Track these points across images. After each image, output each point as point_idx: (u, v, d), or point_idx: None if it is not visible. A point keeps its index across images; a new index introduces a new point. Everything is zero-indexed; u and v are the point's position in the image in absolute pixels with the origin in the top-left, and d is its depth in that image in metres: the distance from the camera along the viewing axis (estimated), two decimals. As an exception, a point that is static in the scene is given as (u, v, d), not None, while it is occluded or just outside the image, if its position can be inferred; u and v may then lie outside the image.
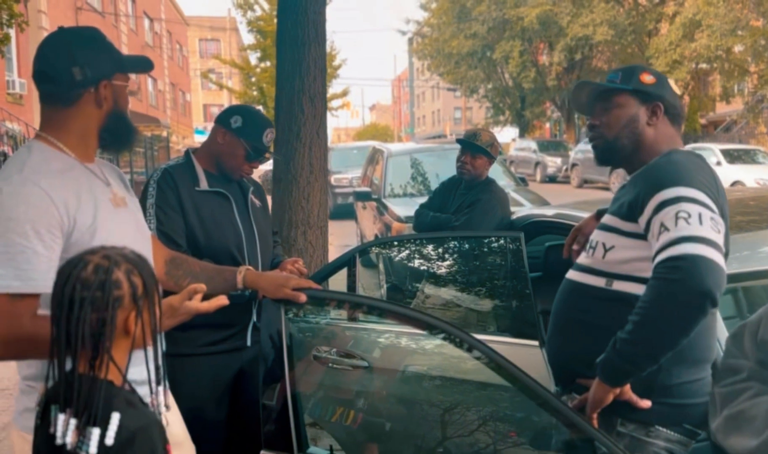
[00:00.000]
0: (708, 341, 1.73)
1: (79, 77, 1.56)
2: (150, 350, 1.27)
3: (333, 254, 3.97)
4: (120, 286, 1.20)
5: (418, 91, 68.95)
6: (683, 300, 1.48)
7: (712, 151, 15.31)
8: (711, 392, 1.65)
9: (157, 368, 1.30)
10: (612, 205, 1.87)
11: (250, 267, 1.94)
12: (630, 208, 1.72)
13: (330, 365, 2.04)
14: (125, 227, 1.63)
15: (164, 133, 27.31)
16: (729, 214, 1.73)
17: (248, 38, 25.83)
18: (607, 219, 1.84)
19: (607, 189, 18.13)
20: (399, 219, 6.49)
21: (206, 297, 2.08)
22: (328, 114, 26.93)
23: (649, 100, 1.84)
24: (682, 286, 1.47)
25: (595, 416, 1.67)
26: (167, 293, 1.65)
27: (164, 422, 1.68)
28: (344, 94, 26.38)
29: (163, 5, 36.42)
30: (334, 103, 26.25)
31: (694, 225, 1.52)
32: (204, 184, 2.32)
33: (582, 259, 1.89)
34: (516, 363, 2.12)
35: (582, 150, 20.64)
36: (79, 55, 1.57)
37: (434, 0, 31.63)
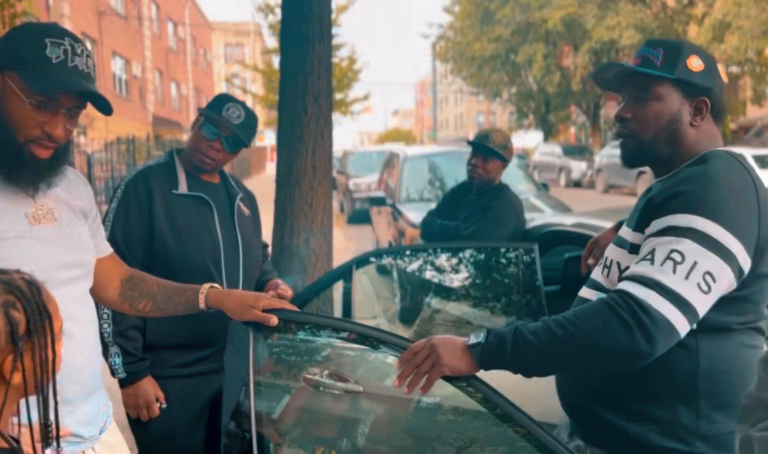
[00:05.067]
0: (752, 375, 1.44)
1: None
2: (33, 399, 1.03)
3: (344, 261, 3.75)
4: None
5: (441, 95, 68.68)
6: (623, 352, 1.26)
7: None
8: (746, 435, 1.35)
9: (45, 424, 1.05)
10: (630, 217, 1.58)
11: (215, 285, 1.71)
12: (641, 215, 1.44)
13: (311, 392, 1.80)
14: (38, 246, 1.39)
15: (185, 138, 27.41)
16: None
17: (271, 42, 25.78)
18: (623, 232, 1.55)
19: (634, 195, 17.68)
20: (413, 225, 6.24)
21: (169, 319, 1.86)
22: (350, 118, 27.09)
23: (694, 95, 1.47)
24: (633, 342, 1.25)
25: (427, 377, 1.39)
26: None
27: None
28: (366, 97, 26.25)
29: (188, 10, 36.68)
30: (355, 107, 26.14)
31: (679, 276, 1.27)
32: (183, 188, 2.12)
33: (597, 276, 1.60)
34: (524, 391, 1.87)
35: (607, 155, 20.19)
36: None
37: (457, 3, 31.38)
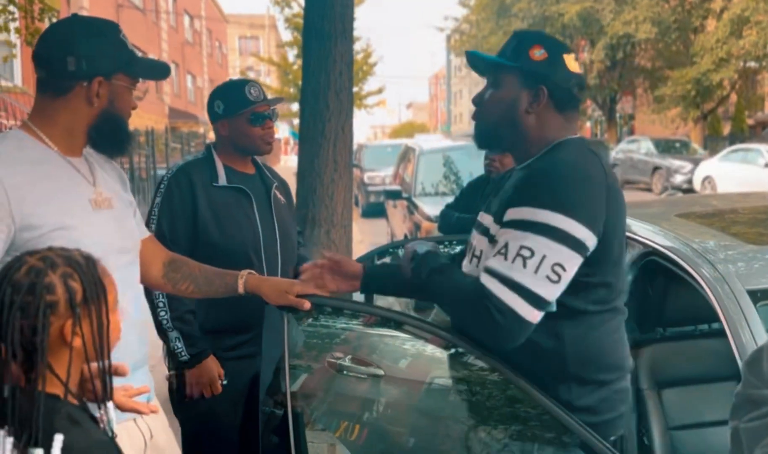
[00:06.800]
0: (616, 347, 1.60)
1: (72, 68, 1.48)
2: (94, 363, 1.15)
3: (362, 253, 3.85)
4: (53, 290, 1.07)
5: (455, 88, 68.47)
6: (489, 340, 1.49)
7: (760, 153, 14.73)
8: (733, 427, 1.45)
9: (103, 382, 1.17)
10: (491, 202, 1.68)
11: (253, 271, 1.82)
12: (500, 207, 1.55)
13: (339, 373, 1.91)
14: (100, 230, 1.53)
15: (201, 130, 27.63)
16: (622, 224, 1.56)
17: (286, 35, 25.98)
18: (485, 220, 1.64)
19: (649, 190, 17.63)
20: (429, 218, 6.34)
21: (209, 301, 1.99)
22: (364, 111, 27.16)
23: (532, 83, 1.56)
24: (495, 337, 1.46)
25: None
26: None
27: (147, 434, 1.59)
28: (380, 91, 26.31)
29: (204, 3, 36.87)
30: (369, 101, 26.19)
31: (529, 271, 1.41)
32: (222, 180, 2.25)
33: (467, 267, 1.68)
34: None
35: (623, 150, 20.14)
36: (79, 46, 1.49)
37: (473, -4, 31.27)
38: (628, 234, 2.24)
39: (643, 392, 2.13)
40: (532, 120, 1.57)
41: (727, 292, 1.74)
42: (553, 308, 1.48)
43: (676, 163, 17.45)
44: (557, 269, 1.41)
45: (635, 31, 23.07)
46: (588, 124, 37.39)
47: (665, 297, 2.23)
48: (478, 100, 1.65)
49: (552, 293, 1.43)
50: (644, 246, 2.12)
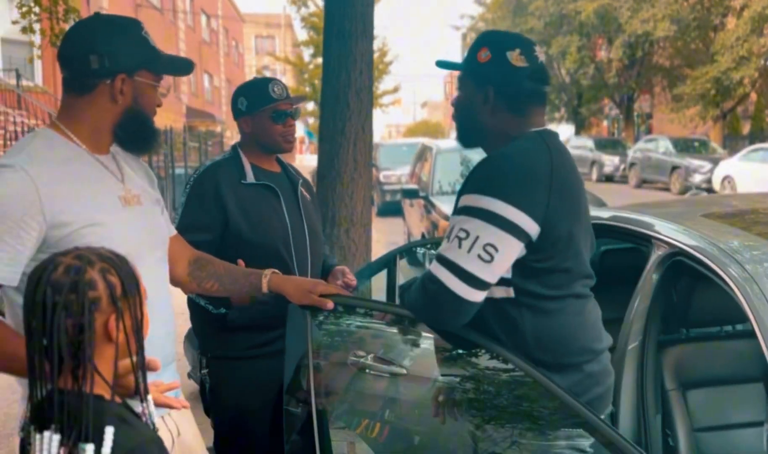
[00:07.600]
0: (581, 330, 1.63)
1: (95, 66, 1.49)
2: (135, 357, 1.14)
3: (379, 252, 3.86)
4: (95, 286, 1.07)
5: (472, 87, 68.14)
6: (435, 322, 1.61)
7: (781, 152, 14.53)
8: None
9: (143, 376, 1.18)
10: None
11: (276, 271, 1.83)
12: (458, 197, 1.63)
13: (361, 372, 1.91)
14: (131, 227, 1.54)
15: (218, 129, 27.80)
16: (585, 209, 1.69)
17: (302, 35, 26.05)
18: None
19: (667, 189, 17.45)
20: (446, 217, 6.34)
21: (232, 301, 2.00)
22: (379, 110, 27.14)
23: (481, 84, 1.66)
24: (433, 308, 1.55)
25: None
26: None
27: (174, 431, 1.60)
28: (395, 90, 26.28)
29: (221, 2, 37.06)
30: (385, 100, 26.18)
31: (463, 251, 1.50)
32: (251, 178, 2.25)
33: None
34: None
35: (641, 149, 19.96)
36: (101, 44, 1.49)
37: (489, -6, 31.16)
38: (653, 234, 2.23)
39: (668, 393, 2.11)
40: (490, 118, 1.67)
41: (756, 292, 1.72)
42: (511, 294, 1.57)
43: (694, 162, 17.26)
44: (489, 249, 1.48)
45: (653, 29, 22.83)
46: (605, 122, 37.10)
47: (691, 297, 2.21)
48: (453, 103, 1.78)
49: (485, 271, 1.50)
50: (670, 246, 2.10)
